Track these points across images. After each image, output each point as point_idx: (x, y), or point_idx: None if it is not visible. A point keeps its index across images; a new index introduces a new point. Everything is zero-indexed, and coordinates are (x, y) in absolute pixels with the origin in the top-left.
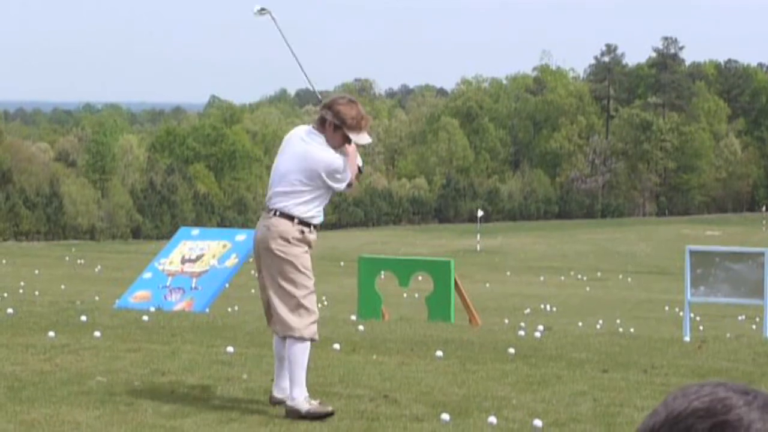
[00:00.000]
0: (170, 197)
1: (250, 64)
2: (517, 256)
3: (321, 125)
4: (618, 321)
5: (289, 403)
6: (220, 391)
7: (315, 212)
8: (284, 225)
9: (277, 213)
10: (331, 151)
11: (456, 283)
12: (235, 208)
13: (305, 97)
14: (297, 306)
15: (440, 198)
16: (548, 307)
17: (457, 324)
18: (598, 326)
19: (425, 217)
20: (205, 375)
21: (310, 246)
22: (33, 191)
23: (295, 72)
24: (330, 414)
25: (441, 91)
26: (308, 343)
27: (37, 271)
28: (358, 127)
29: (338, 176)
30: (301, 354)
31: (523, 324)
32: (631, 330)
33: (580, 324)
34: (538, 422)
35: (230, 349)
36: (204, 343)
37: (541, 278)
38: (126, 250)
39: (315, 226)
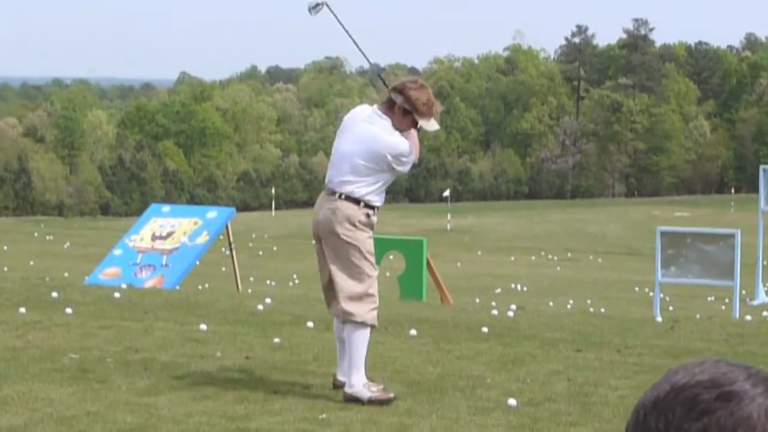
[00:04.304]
0: (139, 174)
1: (220, 42)
2: (488, 235)
3: (389, 108)
4: (588, 301)
5: (348, 390)
6: (194, 368)
7: (379, 195)
8: (351, 209)
9: (343, 196)
10: (397, 134)
11: (428, 262)
12: (205, 185)
13: (276, 74)
14: (361, 291)
15: (411, 177)
16: (519, 286)
17: (430, 303)
18: (569, 306)
19: (396, 196)
20: (178, 352)
21: (372, 229)
22: (1, 167)
23: (265, 49)
24: (392, 400)
25: (412, 70)
26: (369, 329)
27: (5, 247)
28: (429, 114)
29: (404, 159)
30: (361, 340)
31: (494, 303)
32: (602, 310)
33: (551, 304)
34: (512, 401)
35: (203, 326)
36: (177, 320)
37: (512, 258)
38: (95, 227)
39: (377, 209)
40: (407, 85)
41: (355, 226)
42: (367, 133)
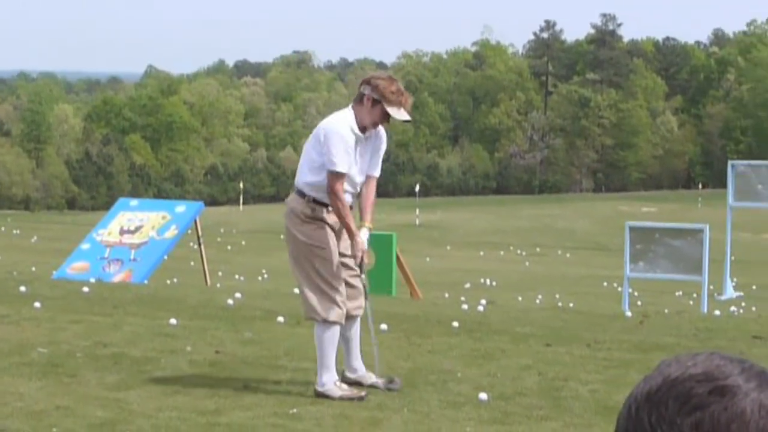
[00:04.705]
0: (106, 168)
1: (188, 35)
2: (457, 231)
3: (359, 102)
4: (557, 296)
5: (318, 388)
6: (165, 363)
7: (322, 191)
8: (296, 202)
9: (295, 190)
10: (344, 123)
11: (397, 257)
12: (172, 179)
13: (243, 68)
14: (317, 288)
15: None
16: (488, 281)
17: (400, 297)
18: (538, 301)
19: None
20: (148, 347)
21: (325, 222)
22: None
23: (233, 43)
24: (362, 398)
25: (381, 65)
26: (335, 328)
27: None
28: (398, 102)
29: (331, 148)
30: (326, 338)
31: (464, 298)
32: (571, 305)
33: (520, 299)
34: (483, 396)
35: (173, 321)
36: (147, 315)
37: (481, 253)
38: (62, 221)
39: (329, 207)
40: (375, 76)
41: (300, 219)
42: (322, 124)
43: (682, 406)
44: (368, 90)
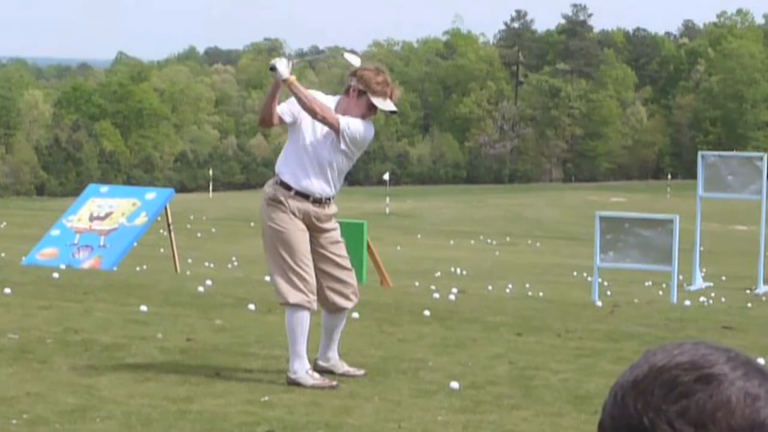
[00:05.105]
0: (76, 154)
1: (159, 22)
2: (427, 219)
3: (345, 94)
4: (527, 285)
5: (291, 375)
6: (135, 350)
7: (285, 167)
8: (268, 185)
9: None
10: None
11: (368, 245)
12: (142, 166)
13: (214, 55)
14: (281, 271)
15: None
16: (459, 270)
17: (370, 286)
18: (508, 290)
19: None
20: (119, 334)
21: (285, 206)
22: None
23: (204, 30)
24: (334, 387)
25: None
26: (301, 313)
27: None
28: (383, 93)
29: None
30: (294, 323)
31: (434, 287)
32: (541, 294)
33: (490, 288)
34: (455, 384)
35: (144, 308)
36: (117, 301)
37: (451, 242)
38: (31, 207)
39: (299, 192)
40: (362, 68)
41: (266, 202)
42: None
43: (668, 394)
44: (354, 81)
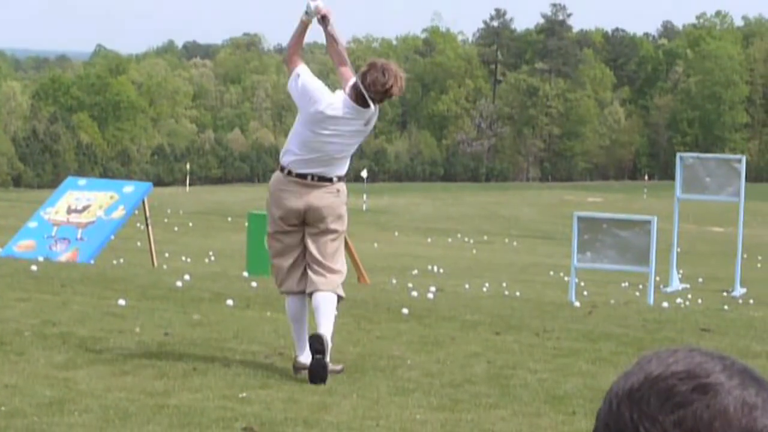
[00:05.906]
0: (53, 146)
1: (137, 15)
2: (404, 216)
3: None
4: (504, 284)
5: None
6: (113, 343)
7: (292, 151)
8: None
9: None
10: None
11: (345, 241)
12: (119, 159)
13: (192, 49)
14: (272, 259)
15: None
16: (436, 268)
17: (348, 282)
18: (485, 289)
19: None
20: (96, 327)
21: (279, 192)
22: None
23: (183, 24)
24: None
25: None
26: (288, 300)
27: None
28: (372, 92)
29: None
30: (287, 311)
31: (411, 285)
32: (517, 293)
33: (467, 286)
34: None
35: (122, 301)
36: (95, 294)
37: (429, 240)
38: (7, 198)
39: (291, 172)
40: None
41: (270, 190)
42: None
43: (665, 404)
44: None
